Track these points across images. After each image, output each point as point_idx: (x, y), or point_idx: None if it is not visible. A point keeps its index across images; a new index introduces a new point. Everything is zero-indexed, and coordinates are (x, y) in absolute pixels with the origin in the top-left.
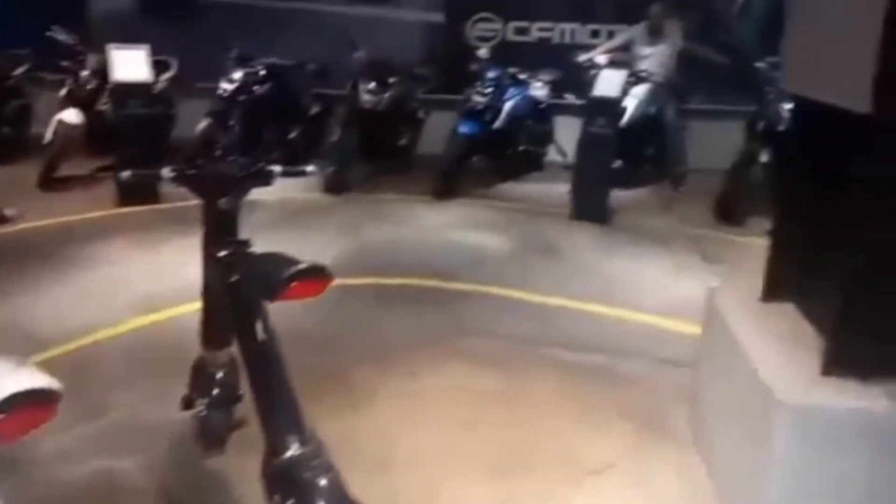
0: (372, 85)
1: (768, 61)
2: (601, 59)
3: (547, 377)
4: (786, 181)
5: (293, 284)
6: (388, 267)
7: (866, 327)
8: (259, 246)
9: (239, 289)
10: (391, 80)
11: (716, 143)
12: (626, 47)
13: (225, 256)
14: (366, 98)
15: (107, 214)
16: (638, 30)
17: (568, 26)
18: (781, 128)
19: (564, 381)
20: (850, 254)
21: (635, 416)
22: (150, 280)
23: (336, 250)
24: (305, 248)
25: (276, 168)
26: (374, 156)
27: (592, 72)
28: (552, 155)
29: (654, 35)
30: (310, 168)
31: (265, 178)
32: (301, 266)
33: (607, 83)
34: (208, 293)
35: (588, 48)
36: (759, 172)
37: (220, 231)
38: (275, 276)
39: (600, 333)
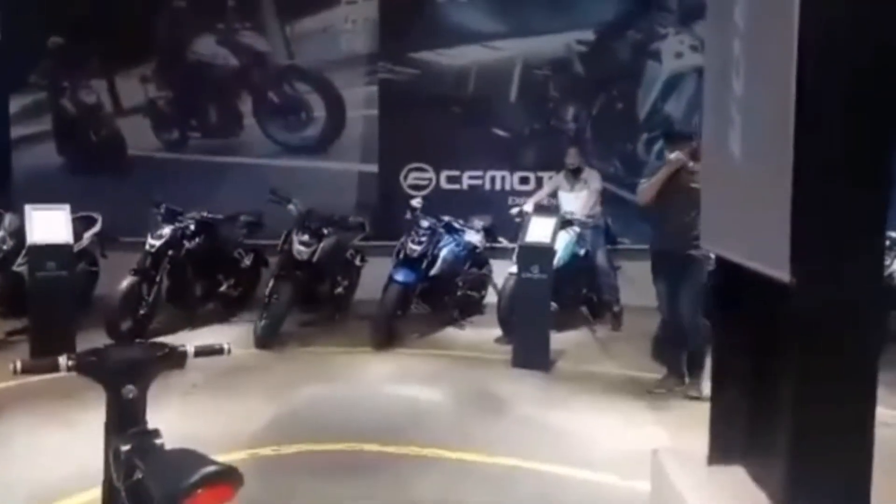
0: (306, 236)
1: None
2: (529, 207)
3: None
4: (718, 339)
5: (199, 492)
6: (324, 430)
7: (815, 492)
8: (180, 416)
9: (139, 491)
10: (325, 230)
11: (645, 281)
12: (553, 194)
13: (127, 452)
14: (300, 249)
15: (11, 385)
16: (560, 177)
17: (497, 174)
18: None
19: None
20: (793, 414)
21: None
22: (51, 463)
23: (267, 415)
24: (233, 414)
25: (189, 349)
26: (310, 306)
27: (522, 219)
28: (491, 297)
29: (575, 178)
30: (227, 346)
31: (176, 362)
32: (209, 470)
33: (538, 229)
34: (108, 490)
35: (518, 194)
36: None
37: (123, 422)
38: (179, 480)
39: (557, 496)
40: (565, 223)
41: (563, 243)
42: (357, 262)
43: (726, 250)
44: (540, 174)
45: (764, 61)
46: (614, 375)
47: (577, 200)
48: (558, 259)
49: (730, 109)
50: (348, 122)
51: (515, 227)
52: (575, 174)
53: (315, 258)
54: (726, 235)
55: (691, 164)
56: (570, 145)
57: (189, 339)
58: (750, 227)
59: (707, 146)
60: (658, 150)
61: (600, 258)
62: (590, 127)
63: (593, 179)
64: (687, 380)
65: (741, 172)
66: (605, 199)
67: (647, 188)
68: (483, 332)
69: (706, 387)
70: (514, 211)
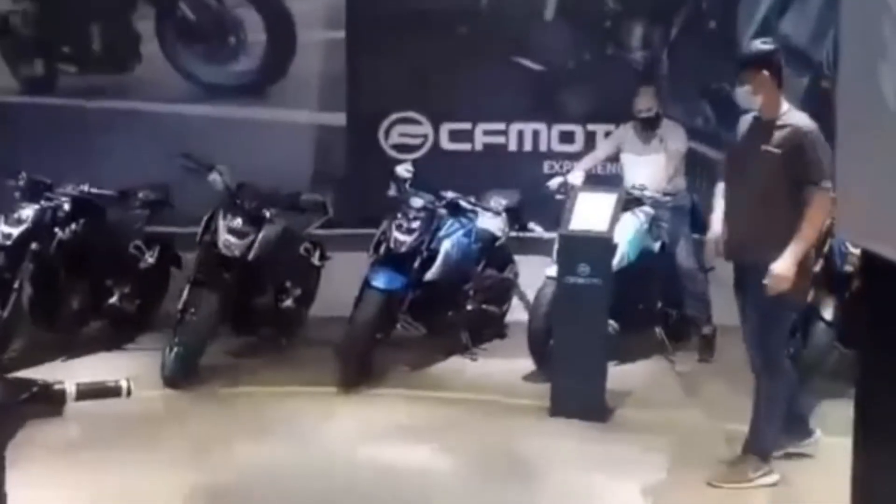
0: (238, 221)
1: None
2: (576, 178)
3: None
4: (866, 376)
5: None
6: None
7: None
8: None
9: None
10: (268, 212)
11: None
12: (613, 157)
13: None
14: (228, 241)
15: None
16: (625, 132)
17: (527, 127)
18: (849, 268)
19: None
20: None
21: None
22: None
23: (179, 492)
24: (128, 491)
25: (69, 388)
26: (245, 326)
27: (566, 195)
28: (518, 312)
29: (648, 135)
30: (126, 383)
31: (50, 406)
32: None
33: (589, 211)
34: None
35: (558, 157)
36: (821, 336)
37: None
38: None
39: None
40: (631, 202)
41: (629, 233)
42: (315, 260)
43: (880, 243)
44: (592, 128)
45: None
46: (704, 429)
47: (649, 168)
48: (621, 256)
49: (882, 31)
50: (300, 50)
51: (555, 209)
52: (647, 129)
53: (251, 255)
54: (881, 222)
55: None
56: (639, 84)
57: (65, 375)
58: None
59: (845, 89)
60: None
61: (683, 255)
62: (667, 57)
63: (674, 137)
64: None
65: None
66: (692, 165)
67: None
68: (506, 365)
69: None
70: (554, 183)
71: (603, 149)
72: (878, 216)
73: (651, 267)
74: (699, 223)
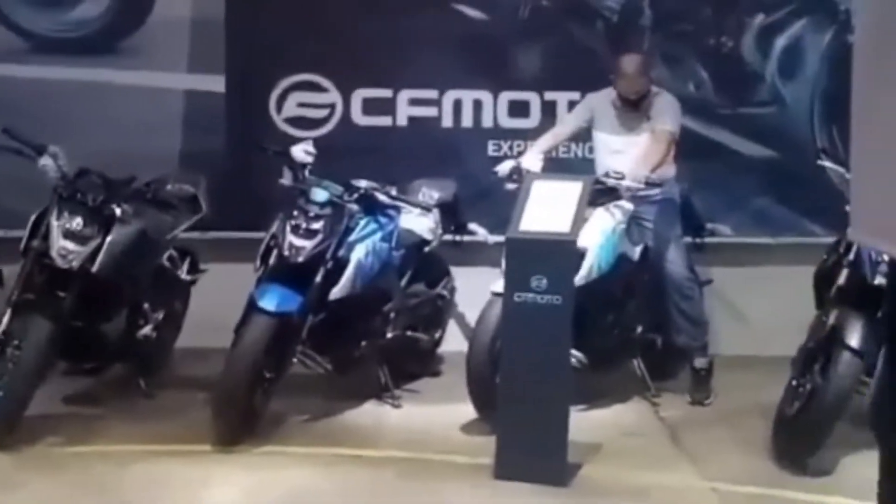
0: (77, 222)
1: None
2: (532, 161)
3: None
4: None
5: None
6: None
7: None
8: None
9: None
10: (118, 209)
11: (766, 305)
12: (582, 135)
13: None
14: (65, 248)
15: None
16: (599, 103)
17: (467, 96)
18: (880, 281)
19: None
20: None
21: None
22: None
23: None
24: None
25: None
26: (88, 363)
27: (518, 185)
28: (453, 342)
29: (629, 112)
30: None
31: None
32: None
33: (547, 206)
34: None
35: (508, 135)
36: (846, 368)
37: None
38: None
39: None
40: (605, 195)
41: (601, 235)
42: (183, 273)
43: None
44: (551, 96)
45: None
46: (697, 495)
47: (630, 152)
48: (589, 267)
49: None
50: None
51: (504, 204)
52: (630, 104)
53: (96, 266)
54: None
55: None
56: (619, 49)
57: None
58: None
59: (863, 52)
60: (787, 43)
61: (673, 263)
62: (649, 4)
63: (666, 114)
64: None
65: None
66: (683, 146)
67: None
68: (439, 412)
69: None
70: (504, 169)
71: (568, 124)
72: None
73: (629, 279)
74: (693, 222)
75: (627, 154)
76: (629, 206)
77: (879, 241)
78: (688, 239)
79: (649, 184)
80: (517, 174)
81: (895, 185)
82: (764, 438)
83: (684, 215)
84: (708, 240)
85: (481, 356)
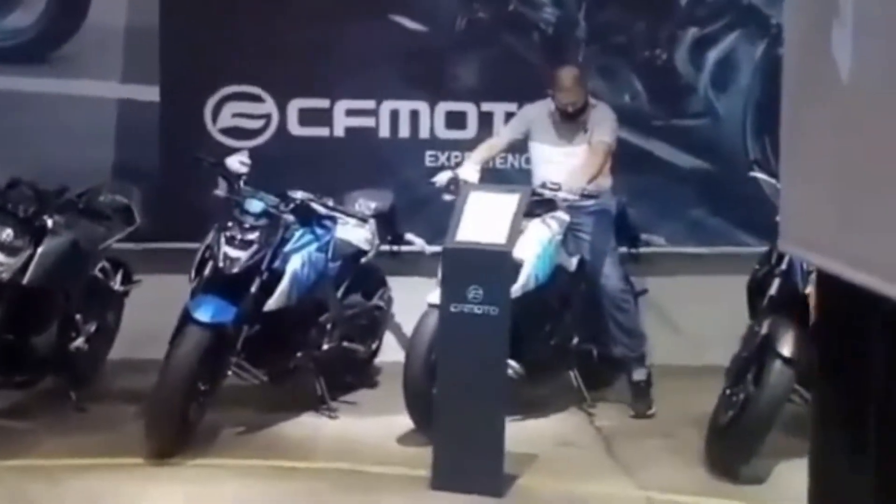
0: (7, 233)
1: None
2: (469, 172)
3: None
4: (820, 406)
5: None
6: None
7: None
8: None
9: None
10: (50, 220)
11: (700, 315)
12: (517, 146)
13: None
14: None
15: None
16: (536, 115)
17: (404, 106)
18: (811, 290)
19: None
20: None
21: None
22: None
23: None
24: None
25: None
26: (18, 375)
27: (455, 195)
28: (390, 353)
29: (567, 124)
30: None
31: None
32: None
33: (483, 217)
34: None
35: (445, 146)
36: (778, 377)
37: None
38: None
39: None
40: (541, 206)
41: (538, 246)
42: (116, 284)
43: (829, 258)
44: (488, 107)
45: None
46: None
47: (567, 163)
48: (527, 278)
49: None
50: (95, 1)
51: (441, 214)
52: (568, 117)
53: (27, 278)
54: (832, 228)
55: None
56: (556, 63)
57: None
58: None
59: (791, 58)
60: (720, 56)
61: (608, 274)
62: (584, 17)
63: (602, 126)
64: None
65: (863, 111)
66: (618, 156)
67: None
68: (375, 424)
69: None
70: (441, 179)
71: (505, 135)
72: (829, 221)
73: (565, 290)
74: (629, 232)
75: (564, 165)
76: (566, 217)
77: (807, 252)
78: (623, 249)
79: (585, 195)
80: (454, 185)
81: (822, 198)
82: (698, 447)
83: (619, 226)
84: (643, 250)
85: (418, 367)
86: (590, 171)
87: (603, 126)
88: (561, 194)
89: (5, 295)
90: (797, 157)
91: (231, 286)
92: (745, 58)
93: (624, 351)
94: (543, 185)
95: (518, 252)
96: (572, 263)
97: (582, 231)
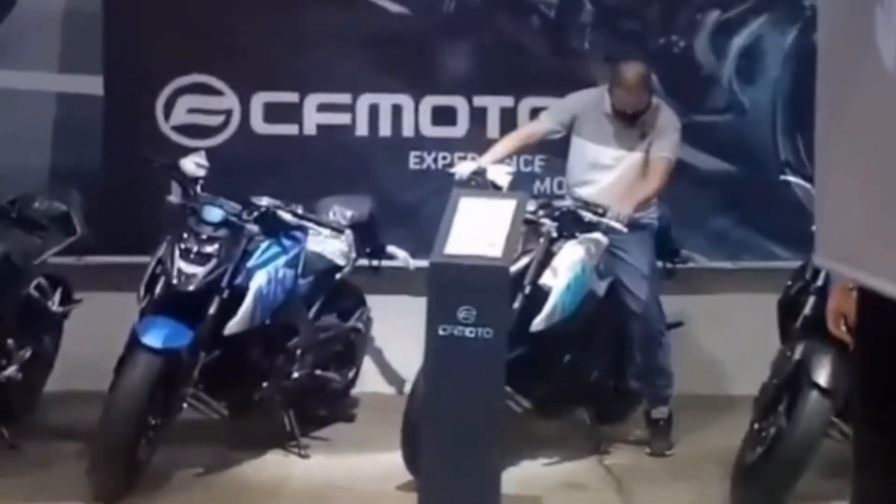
0: None
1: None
2: (498, 174)
3: None
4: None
5: None
6: None
7: None
8: None
9: None
10: None
11: (725, 338)
12: (556, 144)
13: None
14: None
15: None
16: (585, 106)
17: (385, 100)
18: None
19: None
20: None
21: None
22: None
23: None
24: None
25: None
26: None
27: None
28: (370, 382)
29: (623, 124)
30: None
31: None
32: None
33: (474, 227)
34: None
35: (431, 147)
36: (813, 408)
37: None
38: None
39: None
40: (576, 221)
41: (570, 274)
42: (53, 304)
43: (871, 273)
44: (480, 102)
45: None
46: None
47: (619, 169)
48: (552, 309)
49: None
50: None
51: (428, 224)
52: (625, 116)
53: None
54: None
55: None
56: (557, 44)
57: None
58: None
59: (827, 48)
60: (746, 43)
61: (648, 303)
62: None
63: (665, 134)
64: None
65: None
66: None
67: None
68: (352, 463)
69: None
70: (464, 172)
71: (546, 122)
72: (872, 231)
73: (591, 319)
74: (668, 246)
75: (613, 172)
76: (604, 240)
77: (846, 266)
78: (659, 263)
79: (630, 224)
80: (480, 177)
81: (864, 205)
82: (722, 490)
83: (659, 239)
84: (676, 264)
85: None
86: (646, 192)
87: (665, 138)
88: (606, 220)
89: None
90: (835, 157)
91: (186, 306)
92: (774, 45)
93: (649, 392)
94: (586, 206)
95: (546, 279)
96: (601, 289)
97: (618, 249)
